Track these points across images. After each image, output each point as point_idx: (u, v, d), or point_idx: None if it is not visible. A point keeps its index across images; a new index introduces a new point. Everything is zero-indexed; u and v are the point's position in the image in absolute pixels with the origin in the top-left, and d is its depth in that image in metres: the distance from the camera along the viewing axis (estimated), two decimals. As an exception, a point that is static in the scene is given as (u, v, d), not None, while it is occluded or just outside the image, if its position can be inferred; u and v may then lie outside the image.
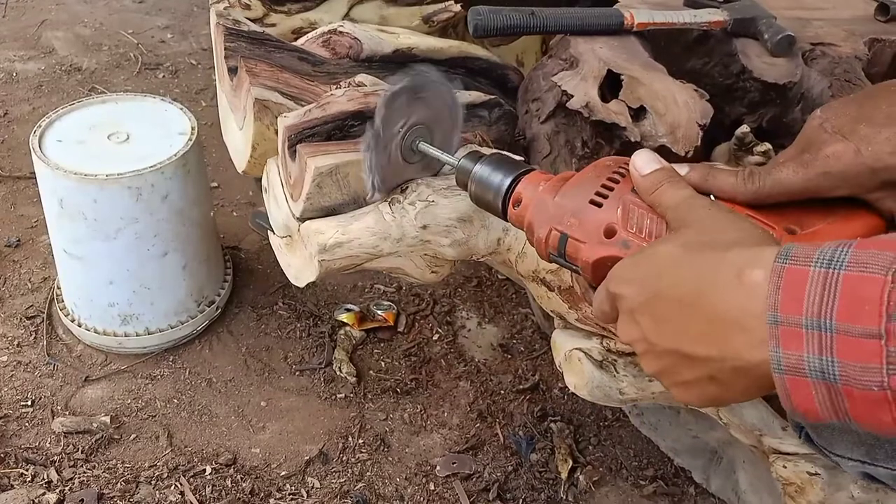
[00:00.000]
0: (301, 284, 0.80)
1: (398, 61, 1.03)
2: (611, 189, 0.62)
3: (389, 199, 0.75)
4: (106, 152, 1.32)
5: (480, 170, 0.69)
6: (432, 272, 0.79)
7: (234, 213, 1.76)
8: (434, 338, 1.52)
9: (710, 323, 0.50)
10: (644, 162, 0.61)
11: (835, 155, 0.62)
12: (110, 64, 2.25)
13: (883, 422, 0.45)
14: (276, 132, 0.83)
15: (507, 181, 0.67)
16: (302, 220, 0.76)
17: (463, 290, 1.61)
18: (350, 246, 0.73)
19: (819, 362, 0.45)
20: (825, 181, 0.62)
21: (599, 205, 0.62)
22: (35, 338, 1.45)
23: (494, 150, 0.73)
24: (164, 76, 2.22)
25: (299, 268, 0.79)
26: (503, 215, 0.68)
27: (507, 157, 0.70)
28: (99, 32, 2.41)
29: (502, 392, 1.43)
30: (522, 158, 0.74)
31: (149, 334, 1.41)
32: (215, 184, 1.80)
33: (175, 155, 1.30)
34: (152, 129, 1.37)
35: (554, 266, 0.75)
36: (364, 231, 0.73)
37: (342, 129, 0.81)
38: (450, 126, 0.76)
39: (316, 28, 1.12)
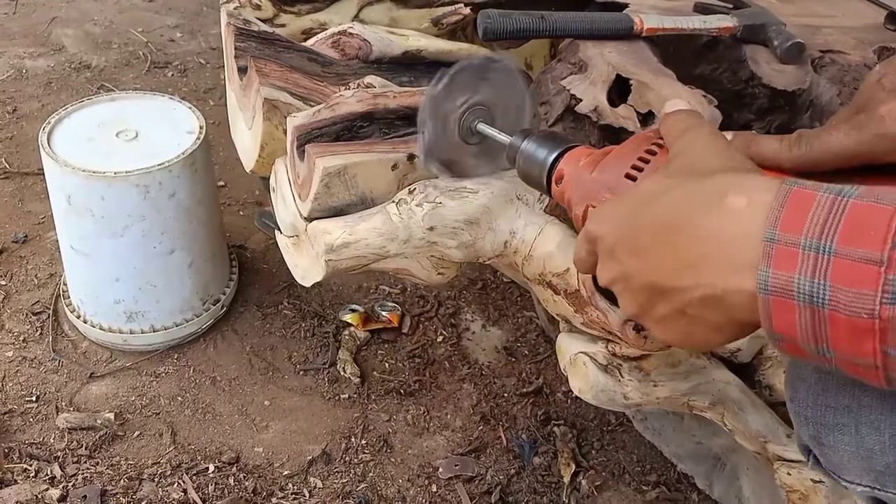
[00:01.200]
0: (308, 284, 0.80)
1: (407, 63, 1.04)
2: (647, 161, 0.59)
3: (397, 200, 0.75)
4: (114, 150, 1.32)
5: (527, 146, 0.67)
6: (439, 274, 0.79)
7: (241, 213, 1.76)
8: (438, 340, 1.52)
9: (686, 250, 0.48)
10: (673, 105, 0.59)
11: (891, 114, 0.56)
12: (119, 62, 2.26)
13: (863, 351, 0.43)
14: (285, 132, 0.84)
15: (552, 157, 0.65)
16: (309, 219, 0.76)
17: (468, 293, 1.62)
18: (357, 246, 0.74)
19: (810, 285, 0.43)
20: (879, 144, 0.56)
21: (634, 178, 0.58)
22: (41, 334, 1.46)
23: (544, 129, 0.71)
24: (172, 75, 2.23)
25: (306, 267, 0.79)
26: (548, 192, 0.66)
27: (554, 134, 0.68)
28: (109, 31, 2.42)
29: (506, 395, 1.42)
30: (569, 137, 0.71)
31: (154, 332, 1.41)
32: (222, 183, 1.81)
33: (183, 153, 1.30)
34: (161, 128, 1.37)
35: (561, 269, 0.75)
36: (371, 232, 0.74)
37: (351, 129, 0.81)
38: (514, 119, 0.74)
39: (326, 29, 1.13)
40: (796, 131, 0.60)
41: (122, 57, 2.28)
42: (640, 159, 0.59)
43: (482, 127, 0.73)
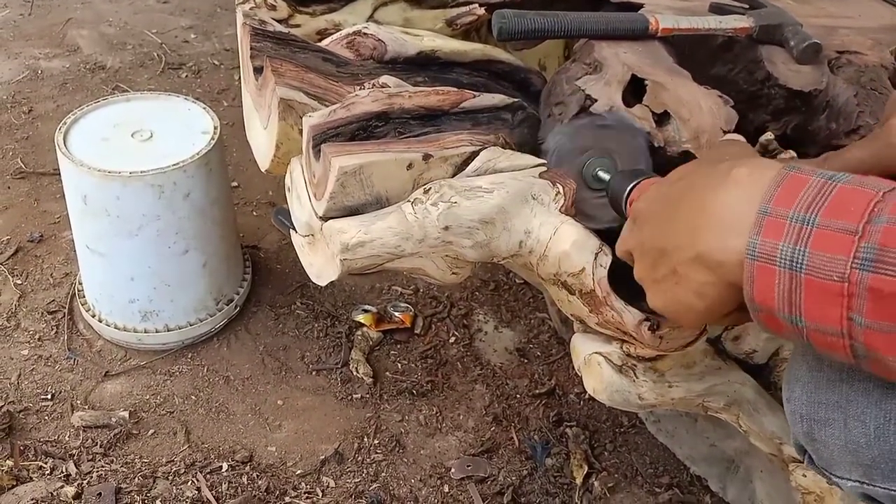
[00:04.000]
0: (323, 283, 0.80)
1: (421, 63, 1.04)
2: None
3: (412, 200, 0.75)
4: (129, 150, 1.33)
5: (617, 179, 0.74)
6: (453, 273, 0.79)
7: (254, 213, 1.77)
8: (450, 340, 1.52)
9: (693, 216, 0.54)
10: (730, 136, 0.70)
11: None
12: (134, 63, 2.27)
13: (831, 317, 0.46)
14: (300, 132, 0.84)
15: (630, 184, 0.72)
16: (325, 219, 0.76)
17: (480, 294, 1.61)
18: (372, 245, 0.74)
19: (792, 251, 0.47)
20: (888, 153, 0.63)
21: None
22: (56, 332, 1.47)
23: (635, 168, 0.79)
24: (186, 76, 2.24)
25: (321, 266, 0.79)
26: (625, 215, 0.72)
27: (639, 170, 0.76)
28: (123, 32, 2.43)
29: (518, 396, 1.42)
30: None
31: (168, 331, 1.42)
32: (235, 183, 1.82)
33: (197, 154, 1.31)
34: (175, 128, 1.38)
35: (576, 269, 0.75)
36: (386, 231, 0.74)
37: (366, 129, 0.81)
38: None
39: (340, 29, 1.13)
40: (825, 153, 0.64)
41: (137, 58, 2.30)
42: None
43: (602, 174, 0.80)
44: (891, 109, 0.65)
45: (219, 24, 2.49)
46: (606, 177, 0.79)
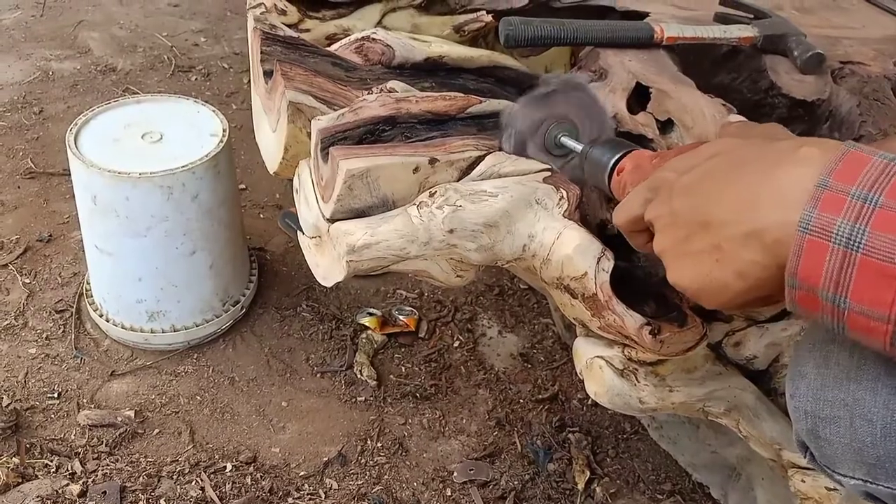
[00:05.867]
0: (329, 284, 0.81)
1: (429, 69, 1.05)
2: None
3: (418, 203, 0.76)
4: (139, 151, 1.35)
5: (596, 148, 0.73)
6: (457, 276, 0.80)
7: (261, 216, 1.78)
8: (455, 345, 1.53)
9: (749, 188, 0.52)
10: (735, 117, 0.67)
11: None
12: (144, 65, 2.29)
13: (882, 300, 0.45)
14: (309, 135, 0.85)
15: (617, 155, 0.71)
16: (332, 221, 0.77)
17: (484, 299, 1.62)
18: (378, 247, 0.75)
19: (850, 229, 0.46)
20: None
21: None
22: (63, 331, 1.48)
23: (611, 138, 0.77)
24: (196, 79, 2.26)
25: (327, 268, 0.80)
26: (608, 187, 0.71)
27: (620, 140, 0.74)
28: (134, 34, 2.45)
29: (521, 401, 1.43)
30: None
31: (174, 331, 1.43)
32: (243, 186, 1.83)
33: (206, 156, 1.32)
34: (185, 130, 1.40)
35: (579, 272, 0.75)
36: (392, 233, 0.75)
37: (374, 133, 0.82)
38: (597, 126, 0.81)
39: (349, 34, 1.14)
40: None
41: (147, 60, 2.32)
42: None
43: (565, 139, 0.79)
44: None
45: (228, 27, 2.51)
46: (572, 143, 0.78)
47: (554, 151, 0.81)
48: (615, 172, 0.70)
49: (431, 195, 0.76)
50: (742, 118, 0.68)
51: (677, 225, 0.56)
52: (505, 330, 1.57)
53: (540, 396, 1.43)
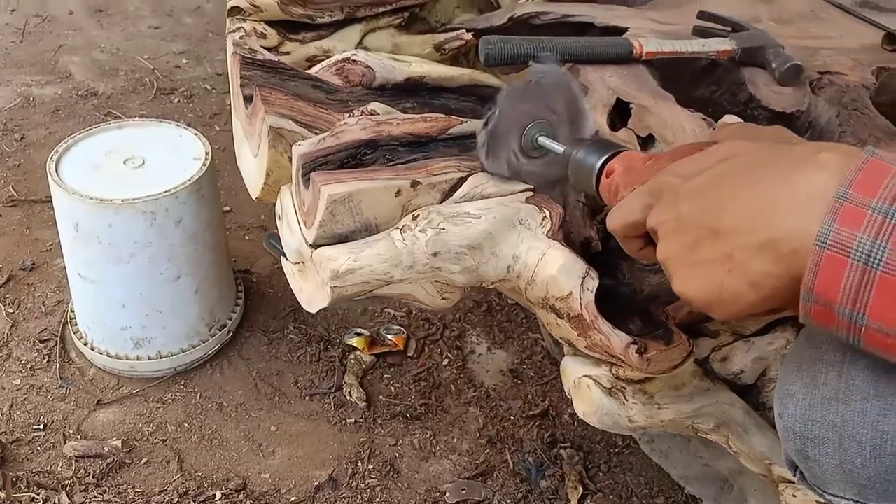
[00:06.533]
0: (313, 310, 0.80)
1: (410, 89, 1.05)
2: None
3: (401, 227, 0.76)
4: (122, 177, 1.34)
5: (580, 150, 0.69)
6: (443, 299, 0.79)
7: (246, 237, 1.78)
8: (444, 363, 1.52)
9: (764, 194, 0.49)
10: (730, 118, 0.65)
11: None
12: (126, 89, 2.28)
13: None
14: (290, 159, 0.85)
15: (605, 156, 0.67)
16: (315, 246, 0.77)
17: (473, 315, 1.62)
18: (362, 273, 0.74)
19: (871, 245, 0.44)
20: None
21: None
22: (48, 361, 1.46)
23: (596, 138, 0.73)
24: (178, 101, 2.25)
25: (311, 293, 0.80)
26: (596, 188, 0.67)
27: (606, 140, 0.70)
28: (115, 58, 2.45)
29: (512, 418, 1.42)
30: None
31: (160, 358, 1.41)
32: (227, 208, 1.82)
33: (189, 180, 1.31)
34: (167, 155, 1.39)
35: (563, 293, 0.75)
36: (376, 258, 0.74)
37: (355, 156, 0.82)
38: (575, 132, 0.77)
39: (330, 56, 1.14)
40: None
41: (129, 84, 2.31)
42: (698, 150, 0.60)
43: (543, 140, 0.75)
44: None
45: (210, 48, 2.51)
46: (552, 144, 0.73)
47: (531, 153, 0.77)
48: (603, 175, 0.66)
49: (414, 218, 0.75)
50: (738, 119, 0.66)
51: (684, 231, 0.53)
52: (494, 346, 1.56)
53: (531, 412, 1.43)
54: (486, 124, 0.76)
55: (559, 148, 0.73)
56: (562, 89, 0.76)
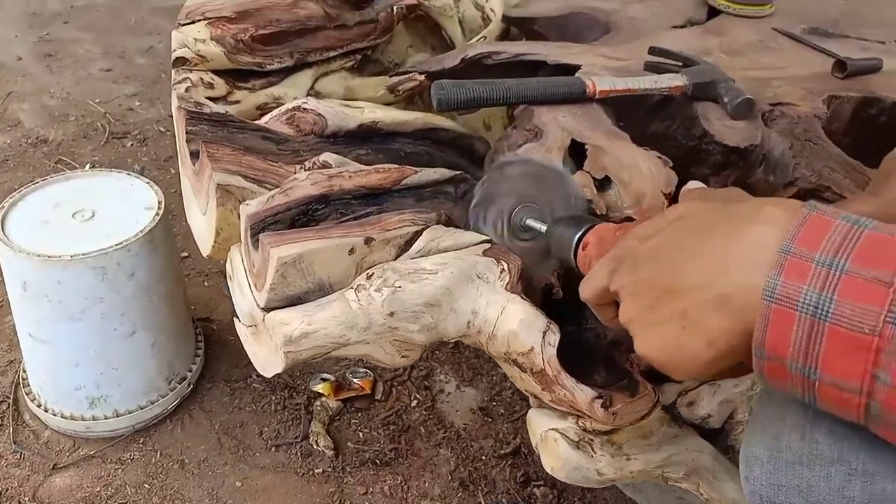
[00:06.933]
0: (268, 375, 0.77)
1: (363, 136, 1.03)
2: None
3: (355, 286, 0.74)
4: (70, 231, 1.29)
5: (560, 227, 0.72)
6: (402, 356, 0.77)
7: (206, 283, 1.73)
8: (412, 404, 1.49)
9: (715, 253, 0.50)
10: (694, 184, 0.68)
11: None
12: (77, 134, 2.23)
13: (853, 371, 0.44)
14: (240, 217, 0.82)
15: (579, 232, 0.70)
16: (267, 309, 0.74)
17: (440, 353, 1.59)
18: (316, 336, 0.72)
19: (817, 297, 0.44)
20: (893, 210, 0.62)
21: None
22: (1, 425, 1.40)
23: (574, 214, 0.76)
24: (132, 144, 2.20)
25: (266, 358, 0.77)
26: (574, 260, 0.70)
27: (583, 216, 0.74)
28: (66, 103, 2.39)
29: (483, 458, 1.40)
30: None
31: (117, 416, 1.37)
32: (185, 253, 1.78)
33: (141, 231, 1.28)
34: (118, 205, 1.35)
35: (525, 348, 0.73)
36: (330, 321, 0.72)
37: (306, 213, 0.79)
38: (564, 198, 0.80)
39: (281, 103, 1.12)
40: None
41: (80, 129, 2.26)
42: None
43: (530, 222, 0.78)
44: (887, 165, 0.65)
45: (163, 90, 2.47)
46: (538, 224, 0.77)
47: (521, 235, 0.80)
48: (580, 248, 0.70)
49: (369, 277, 0.73)
50: (701, 185, 0.68)
51: (642, 293, 0.55)
52: (463, 384, 1.54)
53: (502, 451, 1.40)
54: (474, 207, 0.80)
55: (542, 227, 0.77)
56: (542, 168, 0.80)
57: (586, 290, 0.62)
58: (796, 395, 0.48)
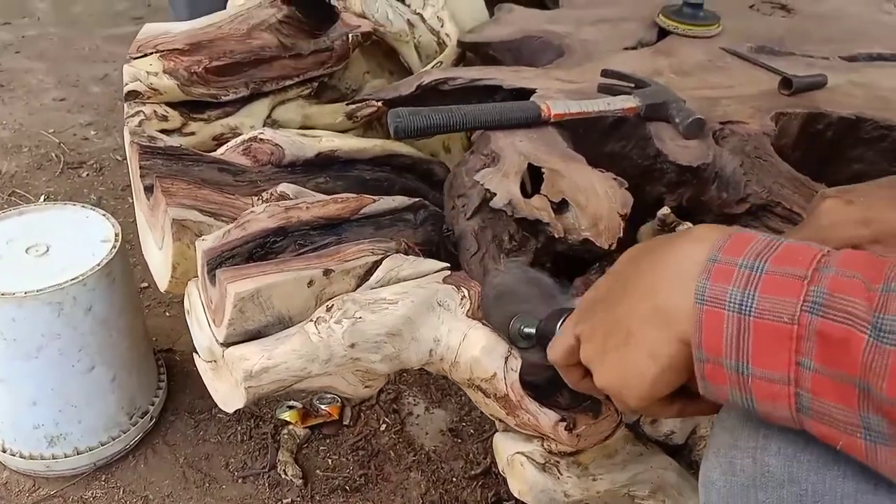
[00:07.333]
0: (230, 410, 0.77)
1: (321, 164, 1.03)
2: None
3: (315, 319, 0.73)
4: (24, 267, 1.27)
5: (542, 326, 0.73)
6: (366, 387, 0.77)
7: (167, 313, 1.71)
8: (381, 428, 1.48)
9: (649, 274, 0.55)
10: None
11: (826, 212, 0.68)
12: (31, 166, 2.19)
13: (779, 362, 0.47)
14: (196, 252, 0.81)
15: (559, 320, 0.70)
16: (226, 345, 0.74)
17: (408, 375, 1.59)
18: (277, 371, 0.71)
19: (741, 296, 0.48)
20: (820, 234, 0.67)
21: None
22: (-44, 468, 1.37)
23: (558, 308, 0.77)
24: (88, 174, 2.17)
25: (226, 393, 0.76)
26: None
27: (564, 308, 0.74)
28: (19, 133, 2.35)
29: (454, 480, 1.39)
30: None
31: (78, 454, 1.33)
32: (145, 284, 1.75)
33: (98, 265, 1.26)
34: (73, 239, 1.33)
35: (488, 374, 0.74)
36: (290, 354, 0.71)
37: (264, 246, 0.79)
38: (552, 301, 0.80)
39: (238, 133, 1.11)
40: None
41: (34, 160, 2.22)
42: None
43: (527, 330, 0.77)
44: (818, 200, 0.71)
45: (119, 118, 2.42)
46: (531, 330, 0.77)
47: (520, 344, 0.79)
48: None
49: (329, 309, 0.73)
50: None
51: (597, 331, 0.59)
52: (432, 406, 1.53)
53: (473, 472, 1.40)
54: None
55: (533, 331, 0.77)
56: (527, 281, 0.80)
57: (554, 351, 0.65)
58: (736, 399, 0.51)
